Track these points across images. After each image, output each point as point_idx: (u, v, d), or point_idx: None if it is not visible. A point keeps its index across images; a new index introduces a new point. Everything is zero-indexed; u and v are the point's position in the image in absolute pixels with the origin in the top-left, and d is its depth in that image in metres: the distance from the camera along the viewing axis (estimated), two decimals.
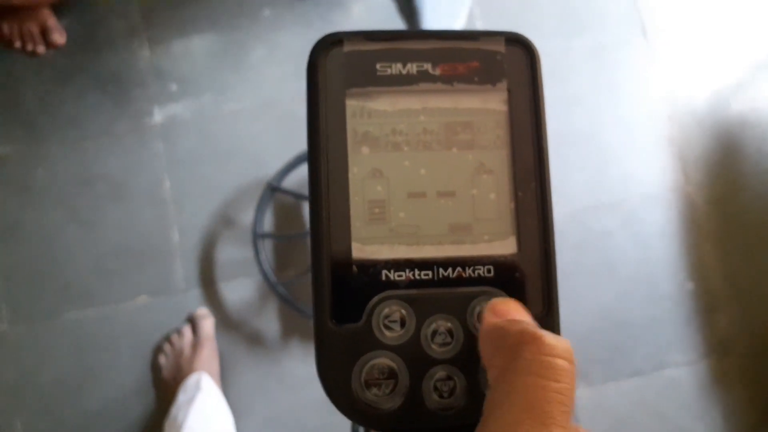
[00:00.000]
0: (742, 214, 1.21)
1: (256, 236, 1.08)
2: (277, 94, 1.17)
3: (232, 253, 1.12)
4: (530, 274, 0.27)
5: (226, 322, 1.10)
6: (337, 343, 0.26)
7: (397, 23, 1.22)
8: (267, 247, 1.11)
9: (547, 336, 0.22)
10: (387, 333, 0.26)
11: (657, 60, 1.24)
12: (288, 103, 1.17)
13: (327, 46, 0.28)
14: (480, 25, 1.22)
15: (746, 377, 1.14)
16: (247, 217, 1.12)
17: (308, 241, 1.11)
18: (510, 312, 0.24)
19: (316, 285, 0.27)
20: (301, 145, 1.11)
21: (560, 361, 0.21)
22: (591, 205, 1.18)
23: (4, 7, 1.13)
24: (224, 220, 1.13)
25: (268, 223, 1.12)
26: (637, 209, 1.19)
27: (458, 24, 1.22)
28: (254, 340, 1.10)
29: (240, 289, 1.11)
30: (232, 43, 1.19)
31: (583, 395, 1.11)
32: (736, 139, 1.23)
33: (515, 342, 0.22)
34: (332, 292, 0.26)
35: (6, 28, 1.15)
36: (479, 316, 0.26)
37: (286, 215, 1.13)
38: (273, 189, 1.10)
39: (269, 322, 1.10)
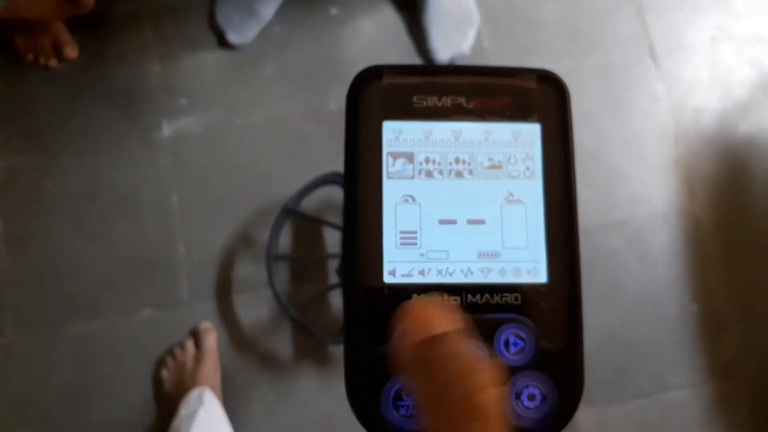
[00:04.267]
0: (749, 236, 1.20)
1: (270, 258, 1.08)
2: (285, 111, 1.18)
3: (243, 270, 1.12)
4: (557, 304, 0.28)
5: (232, 339, 1.10)
6: (367, 365, 0.27)
7: (405, 40, 1.23)
8: (280, 268, 1.11)
9: (481, 370, 0.21)
10: None
11: (664, 80, 1.25)
12: (296, 120, 1.17)
13: (368, 76, 0.29)
14: (487, 44, 1.23)
15: (751, 401, 1.14)
16: (257, 233, 1.12)
17: (327, 262, 1.12)
18: (434, 322, 0.23)
19: (347, 306, 0.27)
20: (309, 163, 1.12)
21: (490, 398, 0.21)
22: (597, 225, 1.18)
23: (17, 21, 1.14)
24: (234, 236, 1.13)
25: (284, 243, 1.12)
26: (643, 229, 1.19)
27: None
28: (262, 358, 1.10)
29: (249, 308, 1.11)
30: (242, 59, 1.20)
31: (587, 417, 1.11)
32: (743, 161, 1.23)
33: (446, 375, 0.21)
34: (364, 313, 0.27)
35: (19, 42, 1.17)
36: (506, 343, 0.27)
37: (299, 236, 1.14)
38: (289, 212, 1.10)
39: (279, 341, 1.11)
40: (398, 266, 0.28)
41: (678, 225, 1.19)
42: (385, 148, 0.28)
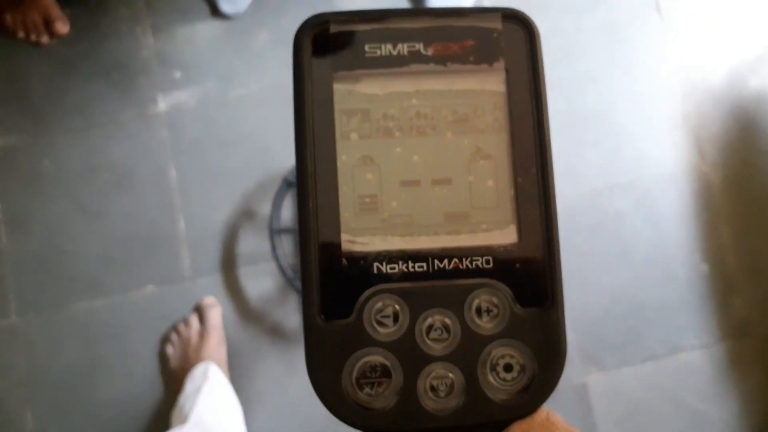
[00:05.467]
0: (759, 194, 1.18)
1: (273, 232, 1.07)
2: (282, 79, 1.15)
3: (246, 243, 1.11)
4: (532, 264, 0.25)
5: (238, 312, 1.09)
6: (326, 340, 0.25)
7: (404, 4, 1.20)
8: (285, 241, 1.10)
9: None
10: (379, 329, 0.25)
11: (671, 36, 1.21)
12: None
13: (312, 27, 0.26)
14: (488, 3, 1.20)
15: (764, 360, 1.12)
16: (259, 205, 1.11)
17: None
18: None
19: (304, 279, 0.25)
20: None
21: None
22: (604, 186, 1.15)
23: None
24: (235, 210, 1.12)
25: (286, 215, 1.10)
26: (652, 190, 1.16)
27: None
28: (269, 331, 1.09)
29: (254, 281, 1.10)
30: (236, 28, 1.18)
31: (598, 380, 1.10)
32: (753, 117, 1.20)
33: None
34: (321, 286, 0.25)
35: (9, 19, 1.14)
36: (478, 309, 0.25)
37: None
38: (290, 184, 1.08)
39: (285, 314, 1.10)
40: (358, 233, 0.25)
41: (687, 185, 1.17)
42: (337, 105, 0.26)
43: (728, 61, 1.21)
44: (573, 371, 1.09)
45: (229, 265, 1.11)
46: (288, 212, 1.11)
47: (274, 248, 1.06)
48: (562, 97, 1.16)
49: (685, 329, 1.13)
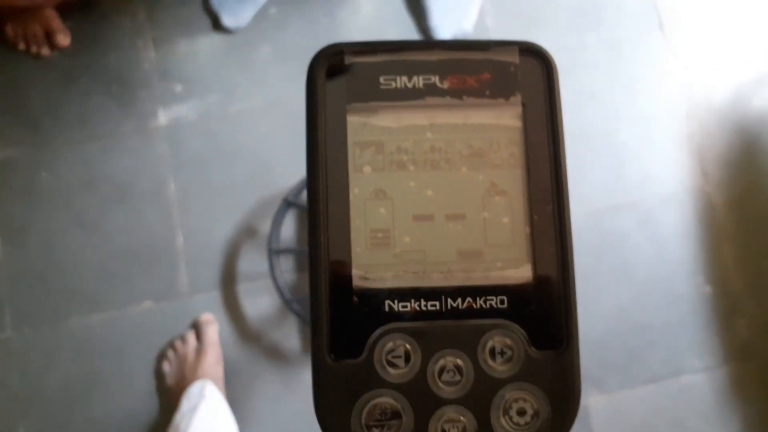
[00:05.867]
0: (763, 214, 1.17)
1: (272, 252, 1.06)
2: (284, 93, 1.15)
3: (245, 261, 1.10)
4: (547, 305, 0.25)
5: (236, 330, 1.08)
6: (335, 380, 0.24)
7: (405, 19, 1.20)
8: (283, 261, 1.09)
9: None
10: (390, 370, 0.24)
11: (675, 54, 1.21)
12: (295, 102, 1.14)
13: (327, 58, 0.26)
14: (490, 22, 1.19)
15: (767, 383, 1.11)
16: (258, 223, 1.10)
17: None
18: None
19: (313, 316, 0.24)
20: None
21: None
22: (607, 206, 1.15)
23: (8, 8, 1.12)
24: (235, 226, 1.11)
25: (286, 235, 1.10)
26: (655, 209, 1.15)
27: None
28: (267, 350, 1.08)
29: (253, 299, 1.09)
30: (238, 42, 1.17)
31: (599, 402, 1.08)
32: (756, 136, 1.19)
33: None
34: (331, 323, 0.24)
35: (10, 30, 1.14)
36: (491, 351, 0.24)
37: (302, 226, 1.11)
38: (289, 204, 1.07)
39: (284, 333, 1.09)
40: (369, 269, 0.25)
41: (690, 205, 1.16)
42: (351, 137, 0.25)
43: (732, 79, 1.21)
44: None
45: (227, 282, 1.10)
46: (288, 232, 1.10)
47: (272, 268, 1.05)
48: (564, 115, 1.15)
49: (687, 351, 1.11)
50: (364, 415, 0.24)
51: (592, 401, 1.08)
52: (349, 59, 0.26)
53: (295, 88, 1.15)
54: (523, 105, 0.26)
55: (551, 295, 0.25)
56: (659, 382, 1.10)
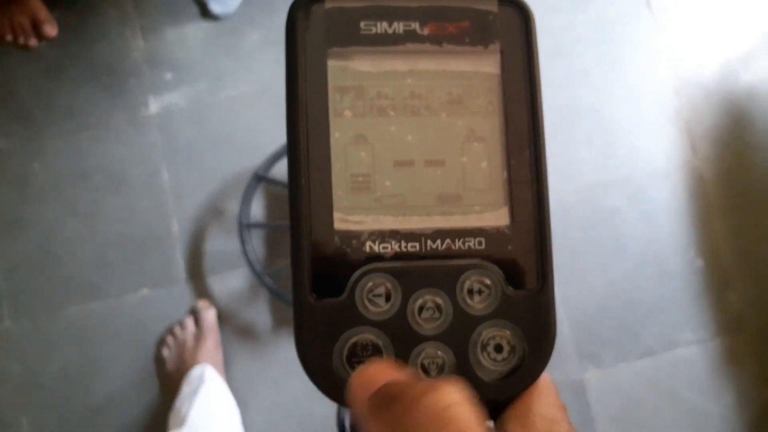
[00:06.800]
0: (752, 188, 1.18)
1: (242, 227, 1.06)
2: (273, 79, 1.15)
3: (224, 244, 1.10)
4: (524, 246, 0.26)
5: (231, 313, 1.09)
6: (317, 318, 0.24)
7: None
8: (255, 237, 1.09)
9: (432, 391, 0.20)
10: (371, 308, 0.25)
11: (663, 32, 1.21)
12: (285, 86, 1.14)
13: (307, 2, 0.26)
14: None
15: (759, 354, 1.12)
16: (230, 202, 1.10)
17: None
18: (379, 375, 0.22)
19: (294, 257, 0.25)
20: None
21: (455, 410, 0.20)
22: (598, 182, 1.15)
23: None
24: (216, 211, 1.11)
25: (258, 213, 1.10)
26: (645, 185, 1.16)
27: None
28: (248, 330, 1.09)
29: (232, 280, 1.10)
30: (226, 29, 1.17)
31: (594, 377, 1.10)
32: (745, 112, 1.20)
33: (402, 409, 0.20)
34: (312, 264, 0.25)
35: None
36: (470, 290, 0.25)
37: (277, 204, 1.12)
38: (259, 178, 1.07)
39: (261, 313, 1.09)
40: (350, 212, 0.25)
41: (680, 180, 1.17)
42: (331, 82, 0.26)
43: (720, 56, 1.22)
44: (570, 368, 1.09)
45: (212, 268, 1.10)
46: (260, 208, 1.10)
47: (243, 244, 1.06)
48: (555, 94, 1.16)
49: (680, 324, 1.13)
50: (345, 352, 0.24)
51: (587, 376, 1.10)
52: (329, 3, 0.26)
53: (283, 73, 1.15)
54: (502, 53, 0.26)
55: (527, 237, 0.26)
56: (654, 356, 1.11)
